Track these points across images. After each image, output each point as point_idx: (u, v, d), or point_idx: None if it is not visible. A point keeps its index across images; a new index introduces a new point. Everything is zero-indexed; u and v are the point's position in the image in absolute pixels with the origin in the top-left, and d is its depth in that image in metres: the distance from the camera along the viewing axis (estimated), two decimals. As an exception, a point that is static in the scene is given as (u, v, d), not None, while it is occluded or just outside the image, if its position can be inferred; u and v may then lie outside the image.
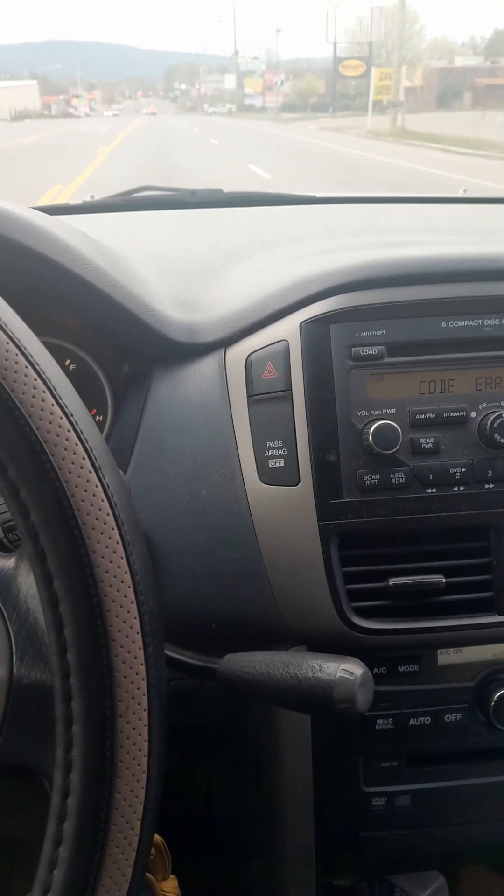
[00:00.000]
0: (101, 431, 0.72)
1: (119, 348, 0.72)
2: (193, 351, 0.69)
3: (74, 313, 0.68)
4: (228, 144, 20.70)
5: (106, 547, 0.34)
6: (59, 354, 0.74)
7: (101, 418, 0.75)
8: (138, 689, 0.34)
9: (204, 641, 0.59)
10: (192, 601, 0.64)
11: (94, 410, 0.75)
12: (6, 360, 0.33)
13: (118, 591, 0.34)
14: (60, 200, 1.32)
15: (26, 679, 0.38)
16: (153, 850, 0.69)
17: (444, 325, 0.63)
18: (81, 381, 0.74)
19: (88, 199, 1.19)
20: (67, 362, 0.74)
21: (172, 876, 0.72)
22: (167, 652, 0.56)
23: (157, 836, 0.69)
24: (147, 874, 0.70)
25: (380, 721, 0.68)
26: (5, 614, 0.39)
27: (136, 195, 1.15)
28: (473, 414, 0.64)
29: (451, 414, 0.63)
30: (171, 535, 0.64)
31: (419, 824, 0.73)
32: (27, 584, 0.39)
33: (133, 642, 0.34)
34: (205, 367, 0.68)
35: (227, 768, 0.84)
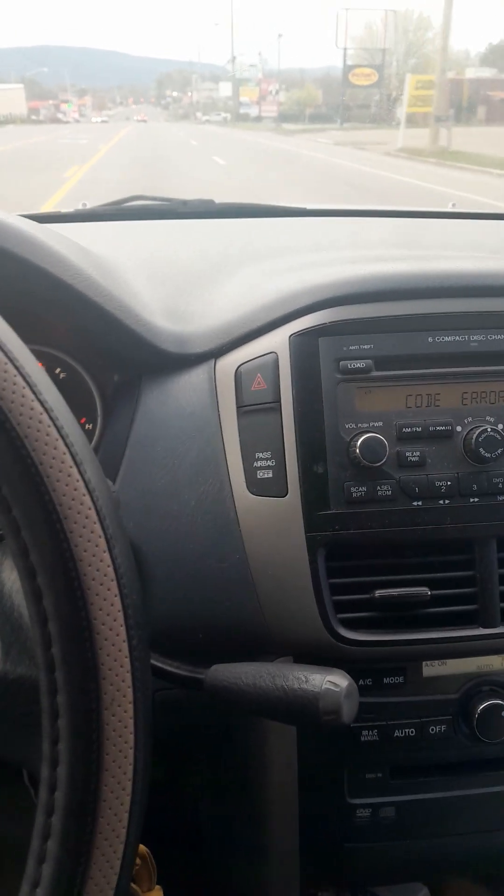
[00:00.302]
0: (91, 441, 0.73)
1: (109, 358, 0.72)
2: (183, 361, 0.69)
3: (64, 322, 0.68)
4: (237, 164, 15.94)
5: (88, 541, 0.34)
6: (49, 363, 0.74)
7: (90, 427, 0.75)
8: (123, 681, 0.35)
9: (191, 652, 0.59)
10: (179, 611, 0.64)
11: (84, 419, 0.75)
12: None
13: (101, 585, 0.34)
14: None
15: (12, 674, 0.38)
16: (138, 861, 0.69)
17: (430, 339, 0.64)
18: (71, 390, 0.74)
19: (80, 207, 1.19)
20: (58, 371, 0.74)
21: (158, 887, 0.71)
22: (154, 662, 0.56)
23: (142, 847, 0.69)
24: (132, 884, 0.69)
25: (365, 733, 0.68)
26: None
27: (127, 204, 1.15)
28: (459, 428, 0.64)
29: (438, 428, 0.64)
30: (159, 544, 0.64)
31: (403, 836, 0.73)
32: (11, 579, 0.39)
33: (117, 635, 0.35)
34: (195, 378, 0.68)
35: (213, 778, 0.84)
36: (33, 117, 76.96)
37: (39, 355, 0.73)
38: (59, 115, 74.31)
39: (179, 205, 1.16)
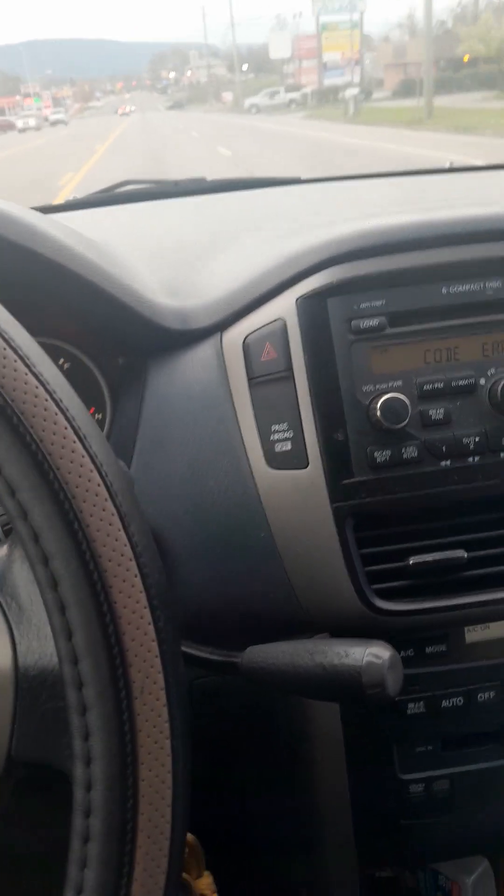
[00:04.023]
0: (102, 430, 0.71)
1: (112, 341, 0.70)
2: (188, 338, 0.66)
3: (64, 308, 0.66)
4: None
5: (101, 520, 0.32)
6: (52, 354, 0.71)
7: (100, 416, 0.73)
8: (152, 667, 0.32)
9: (223, 636, 0.57)
10: (207, 596, 0.62)
11: (93, 409, 0.73)
12: None
13: (119, 565, 0.32)
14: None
15: (33, 670, 0.36)
16: (185, 850, 0.68)
17: (445, 290, 0.61)
18: (77, 380, 0.72)
19: (71, 198, 1.17)
20: (61, 361, 0.72)
21: (207, 873, 0.70)
22: (187, 650, 0.54)
23: (189, 835, 0.67)
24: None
25: (411, 705, 0.66)
26: (3, 605, 0.38)
27: (118, 190, 1.13)
28: (482, 381, 0.61)
29: (460, 382, 0.61)
30: (180, 529, 0.62)
31: (460, 809, 0.71)
32: (24, 570, 0.37)
33: (141, 617, 0.32)
34: (201, 354, 0.66)
35: (258, 764, 0.82)
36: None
37: (41, 346, 0.71)
38: (14, 120, 47.62)
39: (171, 185, 1.14)
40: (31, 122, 45.17)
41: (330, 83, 45.29)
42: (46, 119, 56.53)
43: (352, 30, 46.85)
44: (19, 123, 45.45)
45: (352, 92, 26.85)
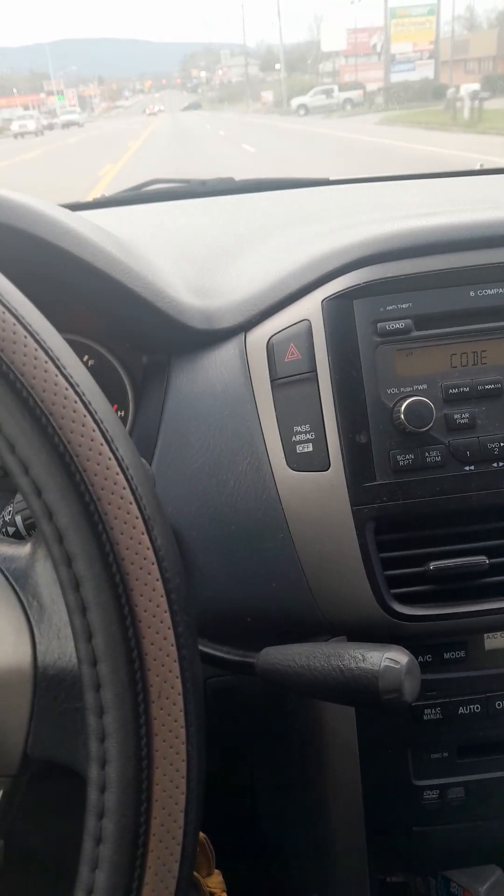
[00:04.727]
0: (124, 427, 0.71)
1: (136, 339, 0.70)
2: (212, 337, 0.67)
3: (89, 305, 0.66)
4: None
5: (125, 523, 0.32)
6: (76, 350, 0.72)
7: (122, 414, 0.73)
8: (170, 671, 0.33)
9: (240, 636, 0.57)
10: (225, 595, 0.62)
11: (115, 406, 0.73)
12: (3, 329, 0.32)
13: (141, 569, 0.32)
14: None
15: (52, 669, 0.36)
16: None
17: (472, 293, 0.60)
18: (101, 376, 0.72)
19: (99, 197, 1.18)
20: (86, 358, 0.73)
21: (217, 871, 0.70)
22: (203, 648, 0.54)
23: (199, 833, 0.67)
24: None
25: (427, 711, 0.65)
26: (25, 604, 0.38)
27: (146, 189, 1.13)
28: None
29: (486, 386, 0.60)
30: (199, 528, 0.62)
31: (474, 817, 0.71)
32: (46, 570, 0.38)
33: (161, 622, 0.32)
34: (225, 354, 0.66)
35: (271, 765, 0.82)
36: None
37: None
38: (21, 124, 37.43)
39: (198, 185, 1.14)
40: (30, 124, 37.69)
41: (400, 79, 37.68)
42: (50, 123, 45.46)
43: (427, 16, 39.55)
44: (14, 127, 37.68)
45: (469, 89, 17.93)
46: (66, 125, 45.94)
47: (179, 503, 0.63)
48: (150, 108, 65.41)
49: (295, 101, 39.10)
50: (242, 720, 0.72)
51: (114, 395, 0.73)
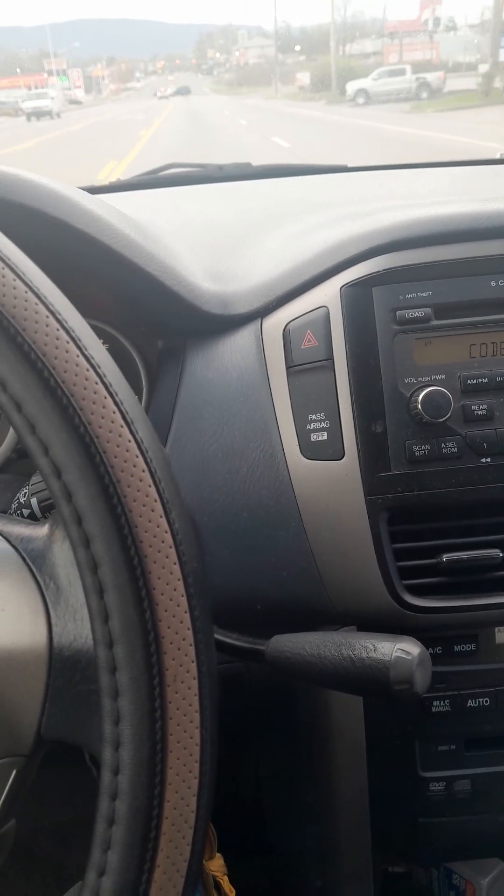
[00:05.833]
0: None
1: (152, 324, 0.70)
2: (228, 323, 0.66)
3: (105, 288, 0.66)
4: None
5: (144, 505, 0.32)
6: None
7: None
8: (186, 655, 0.32)
9: (249, 623, 0.57)
10: (236, 582, 0.62)
11: None
12: (25, 309, 0.31)
13: (159, 552, 0.32)
14: None
15: (67, 651, 0.36)
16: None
17: (493, 283, 0.60)
18: (116, 361, 0.72)
19: (115, 181, 1.17)
20: (101, 342, 0.72)
21: (218, 855, 0.71)
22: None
23: None
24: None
25: (436, 703, 0.65)
26: (42, 584, 0.38)
27: (163, 173, 1.13)
28: None
29: None
30: (211, 515, 0.62)
31: (480, 810, 0.70)
32: (63, 551, 0.38)
33: (178, 605, 0.32)
34: (241, 340, 0.65)
35: (277, 753, 0.82)
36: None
37: None
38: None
39: (215, 170, 1.13)
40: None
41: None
42: (16, 110, 30.72)
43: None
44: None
45: None
46: (34, 115, 29.12)
47: (192, 488, 0.62)
48: (161, 90, 60.31)
49: (351, 86, 30.67)
50: (249, 708, 0.72)
51: (128, 379, 0.72)
